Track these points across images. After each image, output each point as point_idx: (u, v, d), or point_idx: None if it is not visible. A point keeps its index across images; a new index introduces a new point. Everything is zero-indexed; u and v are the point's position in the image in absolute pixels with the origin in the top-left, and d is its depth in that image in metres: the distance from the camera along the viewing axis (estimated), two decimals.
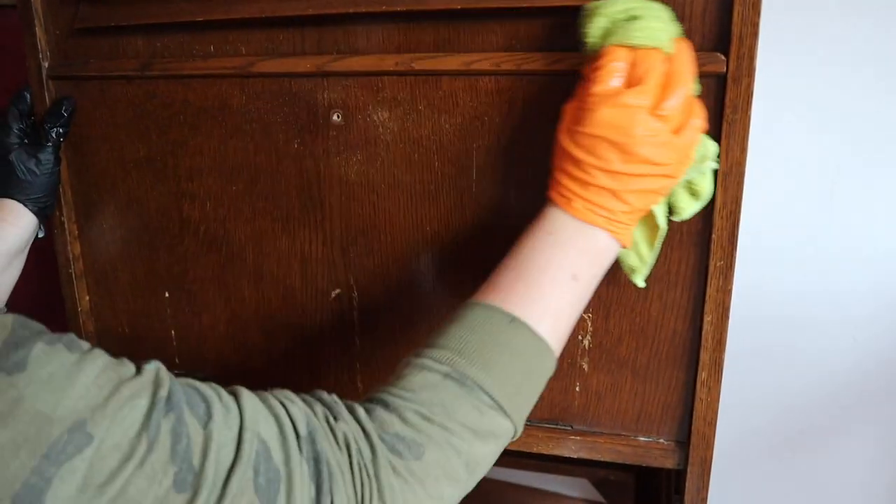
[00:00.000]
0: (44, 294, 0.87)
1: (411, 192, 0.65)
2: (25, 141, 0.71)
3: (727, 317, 0.60)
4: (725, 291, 0.59)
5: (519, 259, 0.51)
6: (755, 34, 0.53)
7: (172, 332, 0.78)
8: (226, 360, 0.77)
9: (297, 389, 0.75)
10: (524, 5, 0.57)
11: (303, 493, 0.39)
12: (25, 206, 0.71)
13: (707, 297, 0.60)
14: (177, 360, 0.79)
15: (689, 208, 0.56)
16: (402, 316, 0.69)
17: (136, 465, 0.35)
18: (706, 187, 0.55)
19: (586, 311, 0.63)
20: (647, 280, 0.59)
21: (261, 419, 0.41)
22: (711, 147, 0.54)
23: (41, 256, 0.80)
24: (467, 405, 0.45)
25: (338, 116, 0.64)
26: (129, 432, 0.35)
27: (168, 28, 0.68)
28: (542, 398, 0.66)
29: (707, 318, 0.60)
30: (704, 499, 0.66)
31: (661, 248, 0.60)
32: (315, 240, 0.69)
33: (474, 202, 0.63)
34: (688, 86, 0.50)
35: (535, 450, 0.69)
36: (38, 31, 0.72)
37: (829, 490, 1.04)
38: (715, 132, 0.56)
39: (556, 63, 0.57)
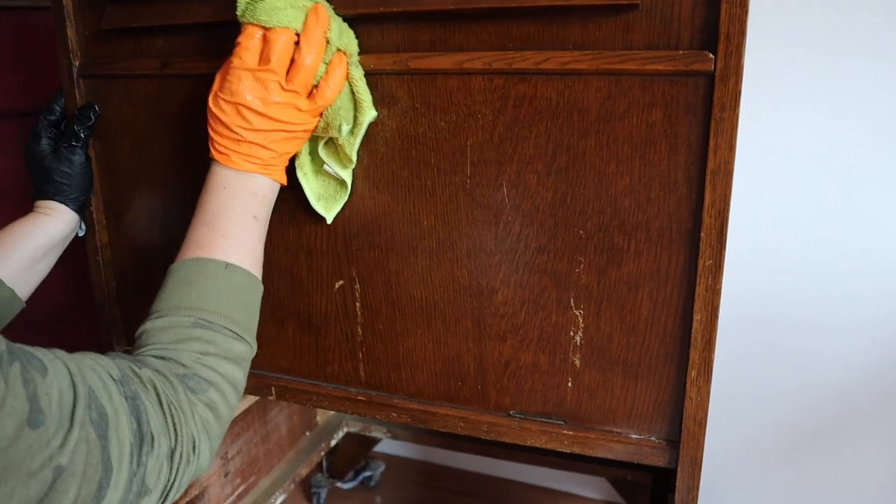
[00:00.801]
0: (74, 280, 0.92)
1: (409, 187, 0.66)
2: (57, 146, 0.76)
3: (716, 316, 0.60)
4: (714, 290, 0.59)
5: (209, 215, 0.60)
6: (743, 32, 0.53)
7: None
8: None
9: (307, 376, 0.78)
10: (515, 6, 0.58)
11: (128, 426, 0.46)
12: (67, 205, 0.76)
13: (696, 296, 0.60)
14: None
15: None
16: (401, 307, 0.70)
17: None
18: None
19: (577, 307, 0.64)
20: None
21: (84, 369, 0.46)
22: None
23: (73, 245, 0.85)
24: (219, 340, 0.55)
25: None
26: None
27: (185, 29, 0.71)
28: (535, 391, 0.68)
29: (696, 317, 0.60)
30: (695, 498, 0.65)
31: (652, 248, 0.60)
32: (320, 233, 0.71)
33: (469, 197, 0.64)
34: (310, 63, 0.60)
35: (528, 443, 0.70)
36: (70, 32, 0.76)
37: (846, 489, 1.02)
38: (703, 131, 0.56)
39: (546, 62, 0.58)
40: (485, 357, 0.69)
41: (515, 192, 0.63)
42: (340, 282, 0.72)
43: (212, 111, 0.61)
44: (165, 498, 0.49)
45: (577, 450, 0.68)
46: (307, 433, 1.34)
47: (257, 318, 0.61)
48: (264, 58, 0.59)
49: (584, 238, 0.62)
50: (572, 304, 0.64)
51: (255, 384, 0.80)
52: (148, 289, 0.82)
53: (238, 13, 0.60)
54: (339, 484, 1.36)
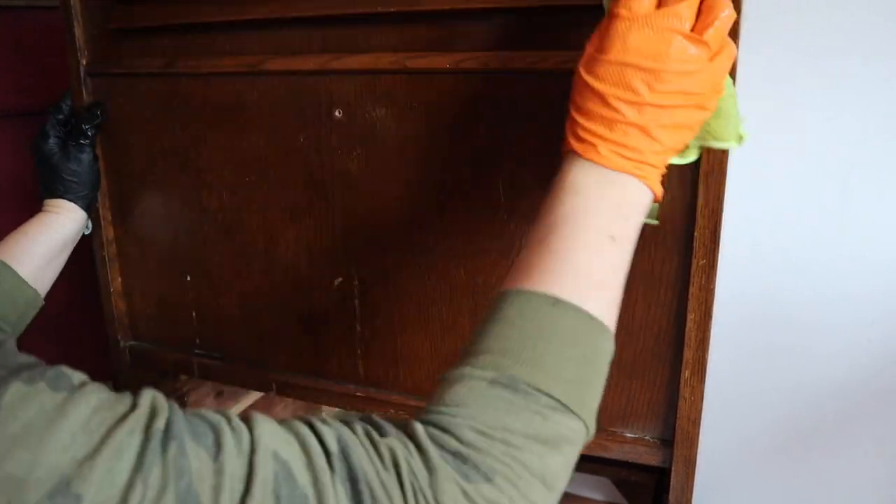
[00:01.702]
0: (81, 275, 0.94)
1: (406, 185, 0.67)
2: (65, 144, 0.77)
3: (710, 315, 0.60)
4: (708, 290, 0.59)
5: (546, 231, 0.44)
6: (736, 33, 0.53)
7: (193, 313, 0.83)
8: (240, 343, 0.81)
9: (307, 373, 0.78)
10: (511, 6, 0.58)
11: None
12: (75, 203, 0.77)
13: (690, 296, 0.60)
14: (197, 341, 0.84)
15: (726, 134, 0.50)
16: (399, 304, 0.71)
17: None
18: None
19: None
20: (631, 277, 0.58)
21: (278, 439, 0.35)
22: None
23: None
24: (526, 412, 0.38)
25: (339, 112, 0.68)
26: (120, 479, 0.29)
27: (190, 29, 0.73)
28: None
29: (690, 317, 0.60)
30: (689, 498, 0.66)
31: (646, 247, 0.60)
32: (320, 230, 0.72)
33: (466, 196, 0.65)
34: (729, 7, 0.44)
35: None
36: (77, 32, 0.78)
37: (843, 488, 1.01)
38: None
39: (541, 62, 0.59)
40: None
41: (512, 190, 0.63)
42: (340, 279, 0.73)
43: (582, 81, 0.45)
44: None
45: None
46: None
47: (599, 383, 0.42)
48: (665, 1, 0.44)
49: None
50: None
51: (257, 380, 0.81)
52: (152, 284, 0.84)
53: None
54: None
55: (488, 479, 0.36)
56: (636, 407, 0.66)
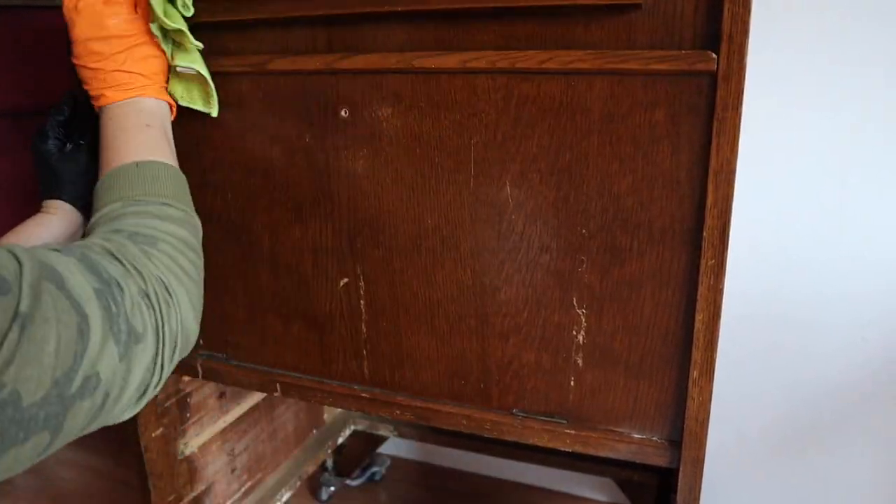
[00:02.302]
0: None
1: (412, 185, 0.67)
2: (64, 147, 0.77)
3: (719, 316, 0.60)
4: (717, 290, 0.59)
5: (107, 142, 0.65)
6: (745, 32, 0.53)
7: None
8: (244, 344, 0.81)
9: (312, 373, 0.78)
10: (518, 5, 0.58)
11: (84, 277, 0.46)
12: (73, 204, 0.77)
13: (699, 296, 0.60)
14: (201, 342, 0.83)
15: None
16: (405, 305, 0.71)
17: None
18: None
19: (580, 306, 0.64)
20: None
21: (18, 248, 0.46)
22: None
23: None
24: (152, 208, 0.58)
25: (345, 112, 0.67)
26: None
27: (193, 28, 0.72)
28: (538, 390, 0.68)
29: (699, 317, 0.60)
30: (697, 498, 0.65)
31: (655, 247, 0.60)
32: (325, 230, 0.72)
33: (472, 196, 0.65)
34: None
35: (530, 441, 0.70)
36: None
37: (839, 488, 1.02)
38: (705, 130, 0.56)
39: (549, 61, 0.58)
40: (488, 355, 0.69)
41: (518, 191, 0.63)
42: (345, 279, 0.73)
43: (76, 65, 0.67)
44: (163, 346, 0.50)
45: (578, 449, 0.68)
46: (314, 431, 1.35)
47: (187, 192, 0.65)
48: None
49: (586, 237, 0.62)
50: (575, 304, 0.64)
51: (261, 381, 0.81)
52: None
53: None
54: (346, 481, 1.37)
55: (155, 244, 0.55)
56: (644, 407, 0.65)
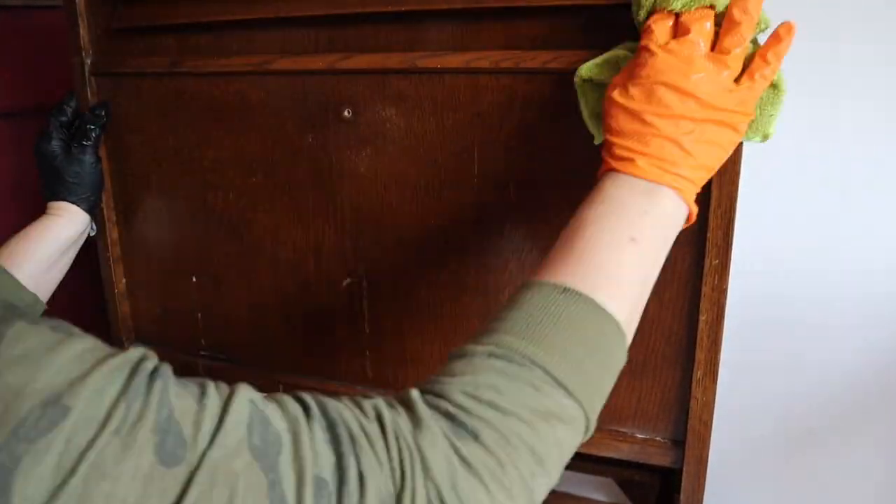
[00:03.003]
0: (85, 276, 0.93)
1: (416, 185, 0.67)
2: (67, 146, 0.77)
3: (723, 316, 0.60)
4: (721, 290, 0.59)
5: (571, 232, 0.46)
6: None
7: (199, 315, 0.82)
8: (247, 344, 0.81)
9: (314, 374, 0.78)
10: (523, 5, 0.58)
11: (317, 457, 0.33)
12: (78, 205, 0.76)
13: (702, 296, 0.59)
14: (202, 342, 0.83)
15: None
16: (408, 305, 0.71)
17: (111, 433, 0.30)
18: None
19: None
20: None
21: (256, 394, 0.36)
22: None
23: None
24: (518, 380, 0.38)
25: (348, 112, 0.67)
26: (107, 399, 0.31)
27: (195, 28, 0.72)
28: None
29: (702, 318, 0.60)
30: (700, 498, 0.65)
31: None
32: (328, 230, 0.72)
33: (475, 196, 0.65)
34: (742, 34, 0.48)
35: None
36: (82, 31, 0.77)
37: (842, 489, 1.02)
38: None
39: (553, 61, 0.58)
40: None
41: (523, 189, 0.63)
42: (348, 280, 0.73)
43: (615, 104, 0.49)
44: None
45: (582, 449, 0.67)
46: None
47: (605, 379, 0.42)
48: (681, 32, 0.49)
49: None
50: None
51: (263, 381, 0.81)
52: (157, 285, 0.83)
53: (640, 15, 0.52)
54: None
55: (475, 438, 0.36)
56: (647, 407, 0.65)
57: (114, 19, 0.75)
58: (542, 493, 0.38)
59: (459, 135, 0.64)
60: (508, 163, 0.63)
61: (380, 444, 0.35)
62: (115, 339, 0.88)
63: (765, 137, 0.53)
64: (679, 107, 0.47)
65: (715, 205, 0.57)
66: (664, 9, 0.50)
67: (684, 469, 0.65)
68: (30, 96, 0.98)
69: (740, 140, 0.51)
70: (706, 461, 0.64)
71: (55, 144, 0.76)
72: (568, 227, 0.47)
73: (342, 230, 0.71)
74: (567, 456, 0.40)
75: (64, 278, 0.77)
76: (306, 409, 0.36)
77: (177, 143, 0.77)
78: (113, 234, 0.83)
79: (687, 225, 0.50)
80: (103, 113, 0.76)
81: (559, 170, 0.61)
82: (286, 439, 0.34)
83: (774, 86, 0.52)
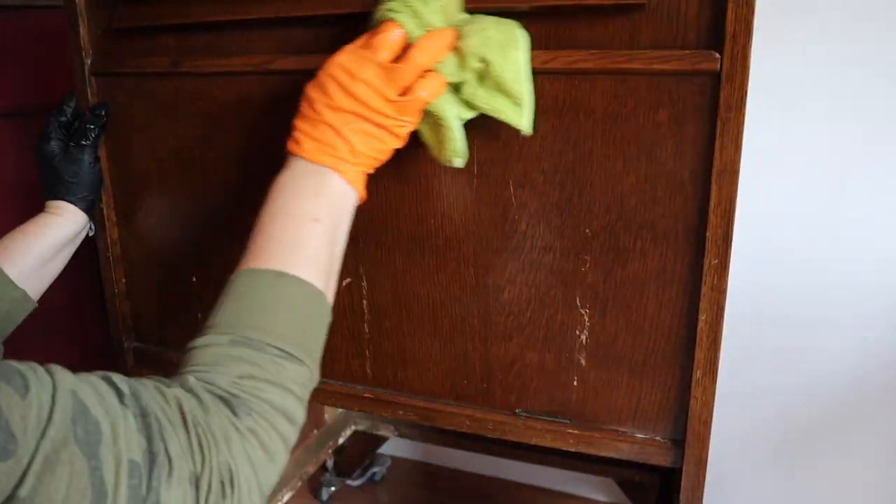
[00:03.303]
0: (84, 276, 0.94)
1: (416, 185, 0.67)
2: (66, 145, 0.77)
3: (722, 316, 0.60)
4: (720, 290, 0.59)
5: (266, 217, 0.54)
6: (749, 32, 0.53)
7: (199, 315, 0.82)
8: None
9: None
10: (520, 6, 0.58)
11: (130, 443, 0.39)
12: (76, 205, 0.77)
13: (702, 296, 0.60)
14: None
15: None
16: (408, 305, 0.71)
17: None
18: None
19: (583, 306, 0.64)
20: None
21: (77, 382, 0.40)
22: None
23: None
24: (263, 361, 0.47)
25: None
26: None
27: (196, 28, 0.72)
28: (541, 390, 0.68)
29: (702, 317, 0.60)
30: (700, 498, 0.65)
31: (658, 247, 0.60)
32: None
33: (475, 195, 0.65)
34: (416, 61, 0.55)
35: (533, 441, 0.70)
36: (82, 31, 0.77)
37: (843, 488, 1.02)
38: (709, 130, 0.56)
39: (552, 61, 0.58)
40: (491, 355, 0.69)
41: (522, 190, 0.63)
42: (347, 279, 0.73)
43: (304, 93, 0.57)
44: None
45: (582, 449, 0.68)
46: (315, 431, 1.35)
47: (320, 336, 0.53)
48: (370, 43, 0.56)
49: (589, 237, 0.62)
50: (578, 303, 0.64)
51: None
52: (158, 285, 0.84)
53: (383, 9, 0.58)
54: (347, 482, 1.37)
55: (248, 414, 0.45)
56: (647, 407, 0.65)
57: (114, 19, 0.76)
58: (293, 439, 0.49)
59: None
60: (508, 163, 0.63)
61: (181, 430, 0.41)
62: (115, 339, 0.88)
63: (448, 162, 0.61)
64: (341, 100, 0.54)
65: (714, 205, 0.57)
66: (382, 18, 0.57)
67: (684, 469, 0.65)
68: (30, 96, 0.98)
69: (400, 143, 0.58)
70: (706, 461, 0.64)
71: (54, 144, 0.76)
72: (264, 209, 0.55)
73: None
74: (305, 405, 0.50)
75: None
76: (120, 395, 0.41)
77: (177, 143, 0.77)
78: (113, 233, 0.83)
79: (360, 202, 0.58)
80: (103, 113, 0.77)
81: (558, 169, 0.61)
82: (105, 428, 0.38)
83: (441, 121, 0.58)
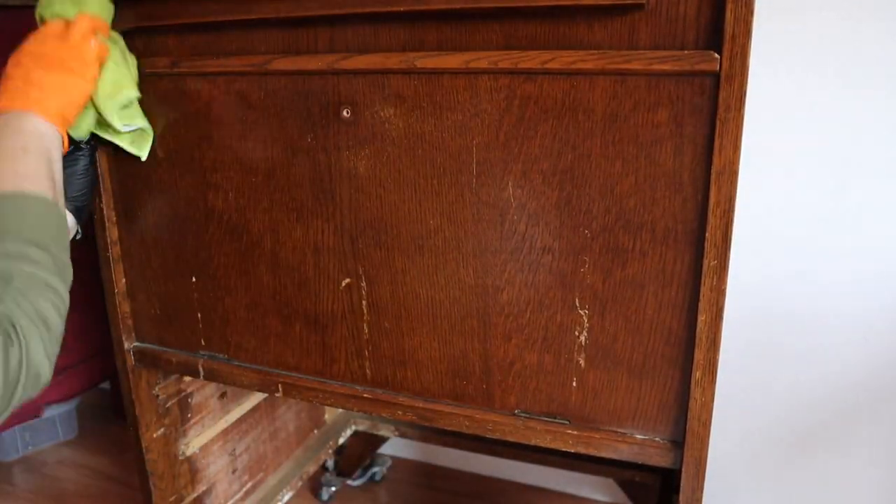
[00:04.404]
0: (84, 275, 0.93)
1: (415, 186, 0.67)
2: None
3: (721, 316, 0.60)
4: (719, 291, 0.59)
5: None
6: (748, 32, 0.53)
7: (199, 314, 0.82)
8: (246, 344, 0.81)
9: (313, 374, 0.78)
10: (521, 5, 0.58)
11: None
12: (67, 208, 0.76)
13: (701, 297, 0.59)
14: (202, 342, 0.83)
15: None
16: (407, 306, 0.71)
17: None
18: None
19: (582, 306, 0.64)
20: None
21: None
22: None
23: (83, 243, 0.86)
24: (8, 248, 0.56)
25: (347, 112, 0.67)
26: None
27: (196, 28, 0.72)
28: (540, 391, 0.68)
29: (701, 318, 0.60)
30: (699, 499, 0.65)
31: (657, 248, 0.60)
32: (327, 230, 0.72)
33: (474, 196, 0.65)
34: (76, 27, 0.67)
35: (533, 442, 0.70)
36: None
37: (843, 488, 1.02)
38: (708, 131, 0.56)
39: (552, 61, 0.58)
40: (490, 356, 0.69)
41: (521, 191, 0.63)
42: (347, 280, 0.73)
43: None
44: None
45: (581, 449, 0.68)
46: (315, 431, 1.35)
47: (59, 232, 0.62)
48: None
49: (589, 238, 0.62)
50: (577, 304, 0.64)
51: (262, 381, 0.81)
52: (157, 285, 0.84)
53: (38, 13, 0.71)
54: (347, 482, 1.37)
55: (9, 283, 0.55)
56: (646, 408, 0.65)
57: (115, 19, 0.75)
58: (62, 306, 0.60)
59: (458, 135, 0.64)
60: (507, 163, 0.63)
61: None
62: (114, 338, 0.88)
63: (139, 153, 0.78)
64: (23, 57, 0.66)
65: (714, 205, 0.57)
66: (44, 17, 0.70)
67: (683, 469, 0.64)
68: None
69: (85, 82, 0.68)
70: (705, 462, 0.64)
71: None
72: None
73: (341, 230, 0.71)
74: (65, 280, 0.61)
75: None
76: None
77: (177, 142, 0.77)
78: (113, 233, 0.83)
79: (64, 148, 0.68)
80: None
81: (558, 170, 0.61)
82: None
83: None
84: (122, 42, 0.74)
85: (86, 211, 0.79)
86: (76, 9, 0.69)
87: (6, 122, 0.64)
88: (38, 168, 0.63)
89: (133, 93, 0.74)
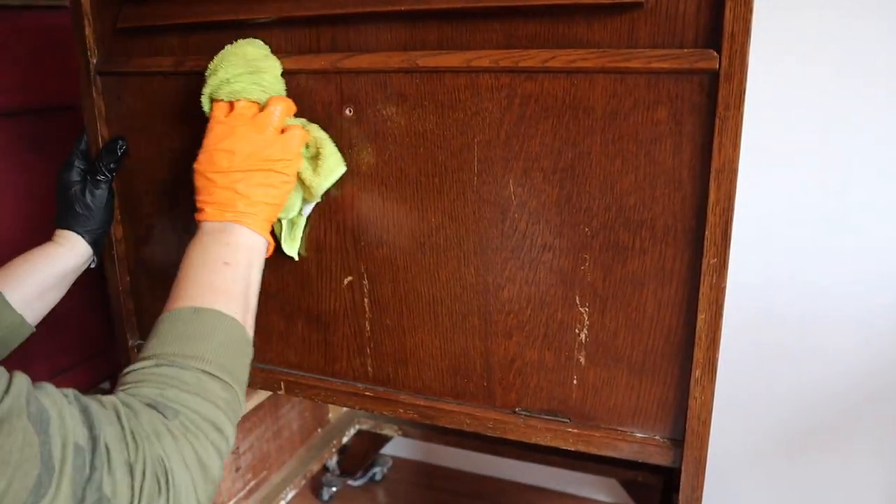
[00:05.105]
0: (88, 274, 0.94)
1: (417, 184, 0.67)
2: (85, 179, 0.77)
3: (721, 314, 0.60)
4: (719, 289, 0.59)
5: (182, 272, 0.61)
6: (747, 31, 0.53)
7: None
8: None
9: (315, 372, 0.78)
10: (522, 4, 0.58)
11: (75, 429, 0.43)
12: (83, 237, 0.77)
13: (700, 295, 0.60)
14: None
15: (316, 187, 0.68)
16: (408, 304, 0.71)
17: None
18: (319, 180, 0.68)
19: (582, 304, 0.64)
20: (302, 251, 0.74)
21: (28, 381, 0.45)
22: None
23: None
24: (187, 377, 0.52)
25: (350, 111, 0.68)
26: None
27: (198, 27, 0.73)
28: (541, 389, 0.68)
29: (701, 316, 0.60)
30: (699, 498, 0.65)
31: (657, 245, 0.60)
32: (329, 229, 0.72)
33: (476, 194, 0.65)
34: (271, 112, 0.65)
35: (533, 440, 0.70)
36: (87, 31, 0.78)
37: (843, 487, 1.01)
38: (707, 129, 0.56)
39: (552, 60, 0.59)
40: (491, 354, 0.69)
41: (522, 189, 0.63)
42: (349, 278, 0.73)
43: (195, 172, 0.65)
44: None
45: (581, 448, 0.68)
46: (319, 430, 1.35)
47: (241, 361, 0.58)
48: (232, 111, 0.66)
49: (589, 236, 0.62)
50: (577, 302, 0.65)
51: (265, 379, 0.81)
52: (161, 284, 0.84)
53: (208, 93, 0.68)
54: (349, 482, 1.37)
55: (175, 417, 0.49)
56: (646, 406, 0.65)
57: (118, 19, 0.76)
58: (226, 452, 0.53)
59: (459, 133, 0.64)
60: (508, 162, 0.63)
61: (116, 424, 0.46)
62: (118, 336, 0.89)
63: (292, 253, 0.74)
64: (226, 163, 0.63)
65: (713, 203, 0.57)
66: (219, 98, 0.66)
67: (683, 468, 0.65)
68: (30, 96, 0.98)
69: (290, 183, 0.66)
70: (705, 460, 0.64)
71: (74, 173, 0.77)
72: (178, 272, 0.61)
73: (343, 228, 0.72)
74: (232, 417, 0.54)
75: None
76: (64, 394, 0.46)
77: (180, 141, 0.77)
78: (117, 232, 0.84)
79: (270, 251, 0.67)
80: (116, 149, 0.77)
81: (558, 167, 0.61)
82: (53, 414, 0.43)
83: (320, 154, 0.67)
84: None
85: (103, 241, 0.80)
86: (259, 88, 0.65)
87: (213, 233, 0.62)
88: (234, 285, 0.60)
89: (344, 167, 0.69)
